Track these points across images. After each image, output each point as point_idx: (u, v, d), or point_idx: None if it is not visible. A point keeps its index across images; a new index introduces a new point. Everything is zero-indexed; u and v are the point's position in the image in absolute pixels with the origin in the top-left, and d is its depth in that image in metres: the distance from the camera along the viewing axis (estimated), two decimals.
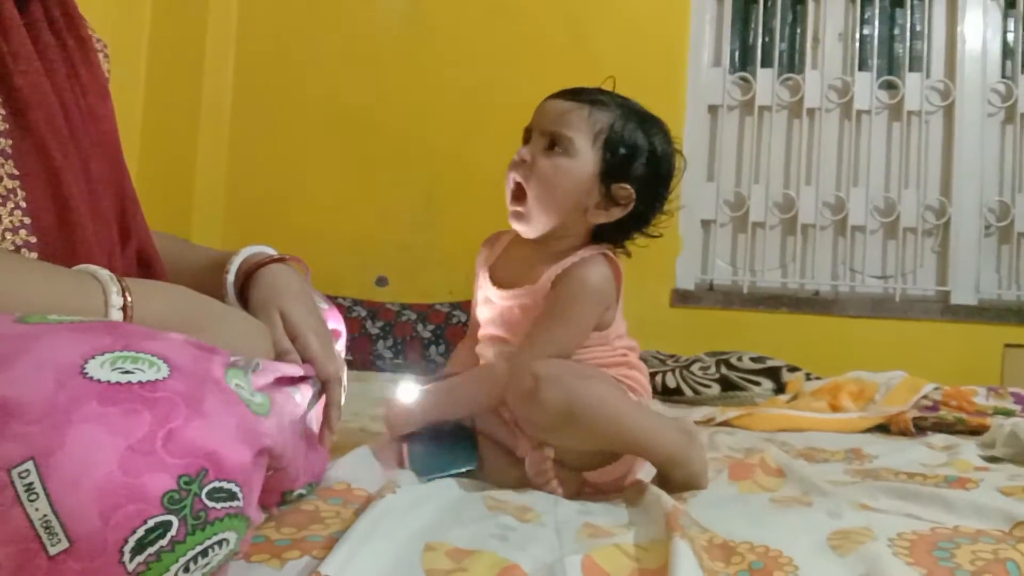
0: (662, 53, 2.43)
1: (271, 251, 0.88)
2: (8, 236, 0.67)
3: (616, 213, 0.97)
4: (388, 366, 2.17)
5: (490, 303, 1.02)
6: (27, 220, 0.69)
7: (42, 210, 0.70)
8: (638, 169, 0.96)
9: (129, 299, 0.62)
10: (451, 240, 2.46)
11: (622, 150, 0.96)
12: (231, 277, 0.84)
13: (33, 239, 0.69)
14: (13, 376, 0.46)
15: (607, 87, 1.01)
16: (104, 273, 0.63)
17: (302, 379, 0.73)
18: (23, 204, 0.69)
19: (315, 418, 0.80)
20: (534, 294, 0.97)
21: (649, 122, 0.99)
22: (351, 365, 1.98)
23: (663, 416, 0.95)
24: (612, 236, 1.00)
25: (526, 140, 0.99)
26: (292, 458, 0.66)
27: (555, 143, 0.95)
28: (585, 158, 0.95)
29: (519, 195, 0.97)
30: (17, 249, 0.68)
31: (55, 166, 0.71)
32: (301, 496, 0.76)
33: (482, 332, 1.04)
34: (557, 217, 0.96)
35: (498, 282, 1.02)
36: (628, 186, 0.96)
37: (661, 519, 0.75)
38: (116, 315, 0.61)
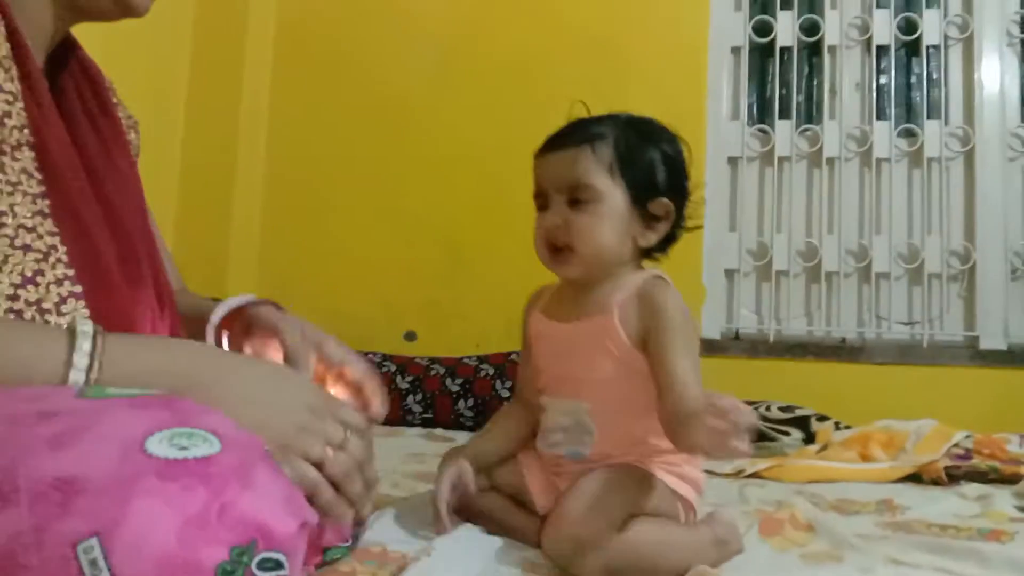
0: (681, 107, 2.47)
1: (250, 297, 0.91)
2: (53, 288, 0.71)
3: (663, 228, 0.97)
4: (418, 420, 2.19)
5: (551, 341, 1.00)
6: (70, 272, 0.72)
7: (79, 266, 0.73)
8: (662, 177, 0.97)
9: (98, 354, 0.61)
10: (477, 294, 2.50)
11: (641, 170, 0.95)
12: (215, 318, 0.87)
13: (78, 288, 0.72)
14: (80, 452, 0.49)
15: (578, 113, 1.00)
16: (84, 327, 0.62)
17: None
18: (64, 258, 0.72)
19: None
20: (604, 320, 0.94)
21: (645, 127, 0.99)
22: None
23: (700, 535, 0.92)
24: (666, 243, 1.00)
25: (541, 206, 0.97)
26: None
27: (578, 197, 0.94)
28: (613, 195, 0.94)
29: (562, 251, 0.95)
30: (63, 300, 0.71)
31: (86, 227, 0.74)
32: (336, 560, 0.78)
33: (546, 376, 1.01)
34: (606, 257, 0.96)
35: (558, 319, 1.00)
36: (664, 199, 0.96)
37: None
38: (77, 375, 0.60)
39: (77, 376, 0.60)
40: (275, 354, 0.82)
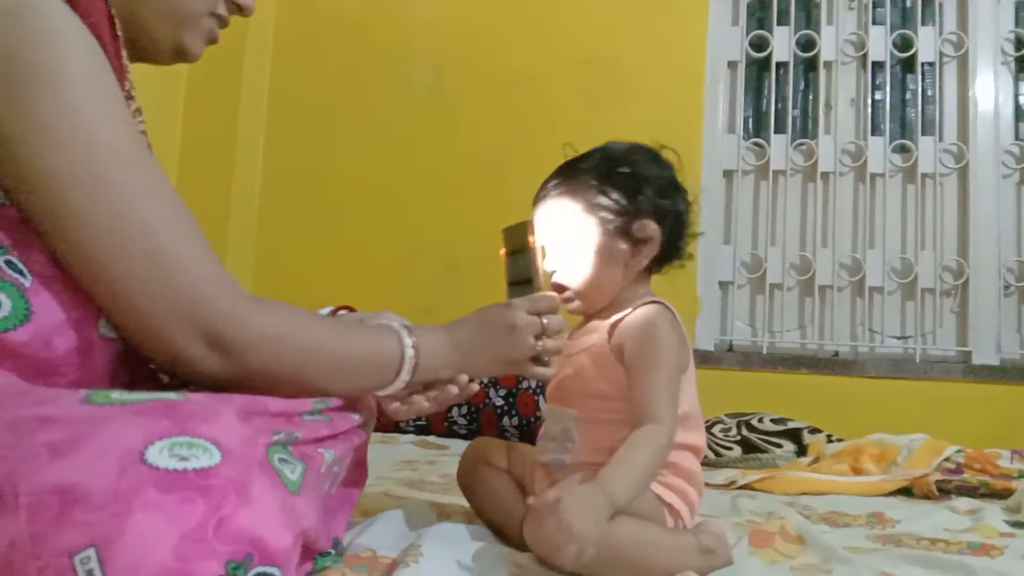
0: (678, 120, 2.49)
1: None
2: None
3: (651, 250, 0.97)
4: (410, 427, 2.19)
5: (563, 358, 1.02)
6: None
7: None
8: (642, 201, 0.97)
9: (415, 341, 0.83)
10: (474, 303, 2.50)
11: (618, 201, 0.96)
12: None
13: None
14: (79, 461, 0.49)
15: (569, 153, 1.02)
16: (397, 325, 0.86)
17: (341, 435, 0.76)
18: None
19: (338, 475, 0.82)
20: (596, 335, 0.98)
21: (622, 157, 0.99)
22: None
23: (685, 541, 0.90)
24: (662, 261, 1.01)
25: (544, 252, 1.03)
26: (315, 523, 0.68)
27: (563, 242, 0.98)
28: (590, 234, 0.97)
29: (565, 294, 1.00)
30: None
31: None
32: (326, 567, 0.78)
33: (550, 386, 1.04)
34: (605, 288, 0.99)
35: (571, 335, 1.04)
36: (644, 221, 0.96)
37: None
38: (410, 354, 0.83)
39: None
40: None
